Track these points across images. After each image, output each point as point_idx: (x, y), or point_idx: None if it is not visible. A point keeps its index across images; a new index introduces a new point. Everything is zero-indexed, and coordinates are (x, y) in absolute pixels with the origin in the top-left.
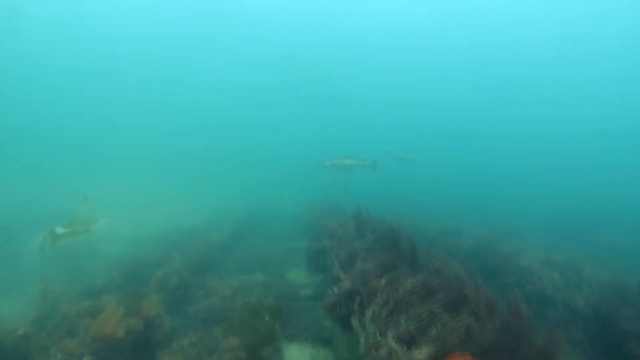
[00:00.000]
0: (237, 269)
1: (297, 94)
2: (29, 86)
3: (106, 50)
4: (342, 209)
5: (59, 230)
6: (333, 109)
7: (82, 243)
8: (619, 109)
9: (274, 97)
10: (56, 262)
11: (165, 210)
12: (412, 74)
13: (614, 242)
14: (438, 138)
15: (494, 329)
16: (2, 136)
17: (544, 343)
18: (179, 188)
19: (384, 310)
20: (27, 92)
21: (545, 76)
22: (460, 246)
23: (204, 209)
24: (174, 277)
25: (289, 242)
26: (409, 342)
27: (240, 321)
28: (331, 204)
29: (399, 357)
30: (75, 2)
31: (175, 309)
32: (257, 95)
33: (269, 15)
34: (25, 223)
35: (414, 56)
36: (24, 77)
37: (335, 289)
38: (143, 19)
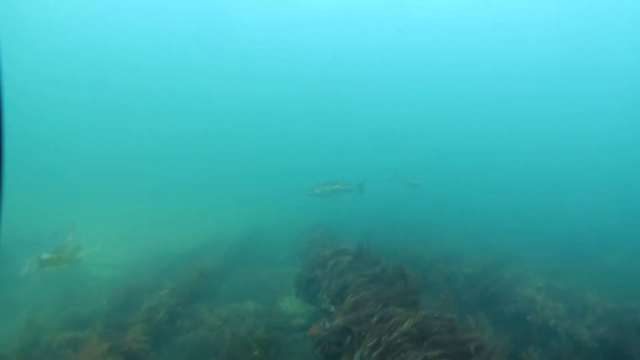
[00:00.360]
0: (228, 296)
1: (297, 109)
2: (22, 98)
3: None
4: (337, 236)
5: (45, 256)
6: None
7: (74, 267)
8: (627, 124)
9: (276, 112)
10: (46, 286)
11: (160, 233)
12: (405, 86)
13: (618, 265)
14: (435, 155)
15: None
16: None
17: None
18: (175, 211)
19: (374, 353)
20: (21, 104)
21: (547, 90)
22: (460, 273)
23: (200, 232)
24: (162, 307)
25: (284, 267)
26: None
27: (229, 355)
28: (327, 229)
29: None
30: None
31: (162, 342)
32: (260, 111)
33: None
34: (18, 244)
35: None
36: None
37: (322, 324)
38: (139, 29)
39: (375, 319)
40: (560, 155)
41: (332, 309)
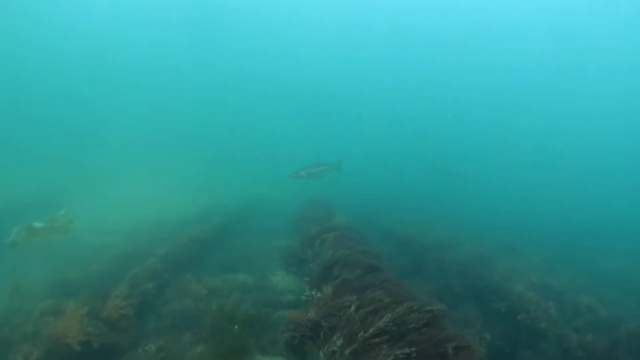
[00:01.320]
0: (220, 267)
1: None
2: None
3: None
4: (331, 210)
5: (35, 225)
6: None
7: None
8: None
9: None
10: (36, 253)
11: (160, 200)
12: (409, 74)
13: (615, 269)
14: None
15: None
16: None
17: None
18: (174, 178)
19: (346, 351)
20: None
21: (555, 86)
22: (453, 261)
23: (198, 200)
24: (149, 275)
25: (279, 239)
26: None
27: (212, 328)
28: (321, 202)
29: None
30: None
31: (146, 310)
32: (271, 89)
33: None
34: (15, 208)
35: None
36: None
37: (302, 312)
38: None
39: (352, 308)
40: (571, 153)
41: (315, 295)
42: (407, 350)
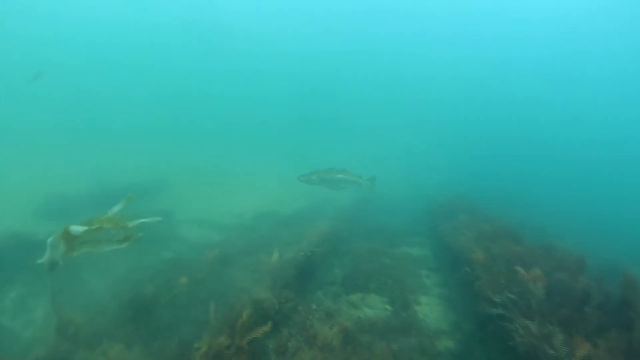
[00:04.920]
0: (344, 284)
1: None
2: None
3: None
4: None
5: (76, 229)
6: None
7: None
8: None
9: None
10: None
11: (260, 191)
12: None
13: None
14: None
15: None
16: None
17: None
18: (278, 168)
19: None
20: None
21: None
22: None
23: (303, 191)
24: (258, 303)
25: (408, 245)
26: None
27: None
28: (472, 202)
29: None
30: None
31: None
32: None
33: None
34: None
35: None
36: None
37: None
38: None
39: None
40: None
41: None
42: None
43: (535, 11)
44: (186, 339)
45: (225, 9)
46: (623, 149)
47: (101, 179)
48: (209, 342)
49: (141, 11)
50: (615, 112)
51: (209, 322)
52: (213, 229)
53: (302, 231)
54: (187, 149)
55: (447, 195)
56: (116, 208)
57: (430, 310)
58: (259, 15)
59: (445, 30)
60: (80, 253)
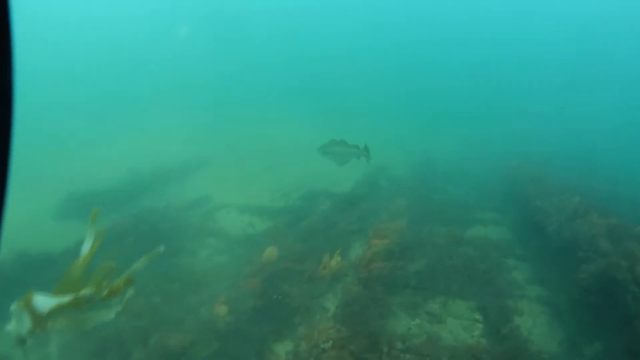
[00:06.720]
0: (422, 286)
1: None
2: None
3: None
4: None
5: (42, 300)
6: None
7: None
8: None
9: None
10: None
11: (300, 165)
12: None
13: None
14: None
15: None
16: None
17: None
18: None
19: None
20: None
21: None
22: None
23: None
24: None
25: (481, 224)
26: None
27: None
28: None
29: None
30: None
31: None
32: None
33: None
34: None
35: None
36: None
37: None
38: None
39: None
40: None
41: None
42: None
43: None
44: None
45: None
46: None
47: (131, 166)
48: None
49: None
50: None
51: None
52: (255, 214)
53: (364, 216)
54: (236, 125)
55: (520, 164)
56: (85, 247)
57: (533, 322)
58: None
59: None
60: (54, 329)
